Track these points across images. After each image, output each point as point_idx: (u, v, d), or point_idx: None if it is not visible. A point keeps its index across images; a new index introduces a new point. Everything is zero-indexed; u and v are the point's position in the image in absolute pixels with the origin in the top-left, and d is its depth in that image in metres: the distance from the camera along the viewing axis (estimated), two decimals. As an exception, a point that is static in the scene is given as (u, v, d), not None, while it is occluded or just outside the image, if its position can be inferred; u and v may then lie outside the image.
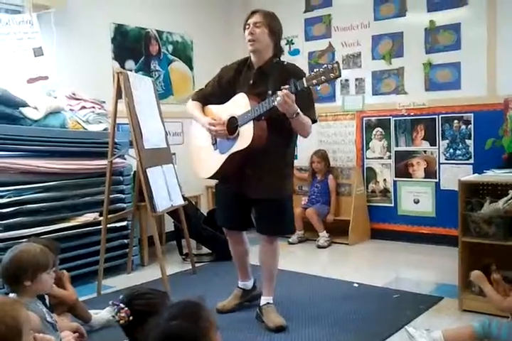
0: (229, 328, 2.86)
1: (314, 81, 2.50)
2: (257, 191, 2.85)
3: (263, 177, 2.83)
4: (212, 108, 3.04)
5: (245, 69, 2.94)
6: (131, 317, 1.79)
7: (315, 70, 2.51)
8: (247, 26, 2.84)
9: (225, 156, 2.85)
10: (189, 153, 3.22)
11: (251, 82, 2.88)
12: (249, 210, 3.05)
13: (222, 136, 2.85)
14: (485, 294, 2.59)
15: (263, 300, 3.07)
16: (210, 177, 3.03)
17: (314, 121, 2.85)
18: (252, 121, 2.71)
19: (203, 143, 3.06)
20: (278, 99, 2.53)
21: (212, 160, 2.94)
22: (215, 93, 3.02)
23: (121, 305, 1.81)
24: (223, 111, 2.92)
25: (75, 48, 4.56)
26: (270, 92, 2.70)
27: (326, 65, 2.47)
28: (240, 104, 2.79)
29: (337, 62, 2.47)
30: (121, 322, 1.80)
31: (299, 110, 2.61)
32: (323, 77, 2.47)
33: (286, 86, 2.53)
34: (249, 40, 2.81)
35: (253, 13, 2.85)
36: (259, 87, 2.82)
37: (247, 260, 3.29)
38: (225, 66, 3.08)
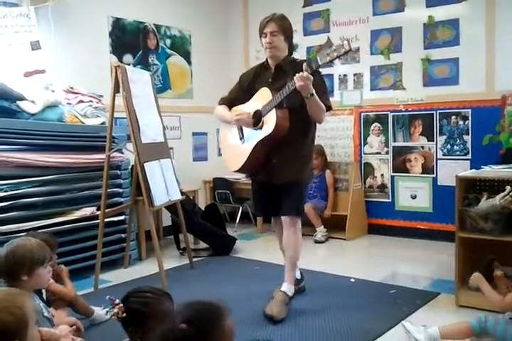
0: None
1: (328, 58, 2.69)
2: (281, 177, 3.08)
3: (285, 164, 3.05)
4: (237, 108, 3.23)
5: (262, 71, 3.20)
6: (124, 314, 1.78)
7: (327, 49, 2.76)
8: (263, 35, 3.05)
9: (251, 146, 3.06)
10: (221, 151, 3.50)
11: (270, 80, 3.11)
12: (279, 197, 3.22)
13: (247, 122, 3.07)
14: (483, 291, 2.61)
15: (282, 286, 3.17)
16: (240, 170, 3.21)
17: (329, 108, 3.04)
18: (274, 109, 2.93)
19: (232, 141, 3.27)
20: (296, 77, 2.72)
21: (241, 153, 3.14)
22: (239, 97, 3.25)
23: (116, 301, 1.81)
24: (247, 107, 3.15)
25: (72, 42, 4.54)
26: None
27: (336, 43, 2.69)
28: (262, 97, 3.03)
29: (347, 39, 2.72)
30: (113, 318, 1.79)
31: (313, 91, 2.81)
32: (335, 53, 2.67)
33: (304, 73, 2.73)
34: (268, 48, 3.04)
35: (268, 21, 3.03)
36: (278, 82, 3.03)
37: None
38: (244, 73, 3.37)
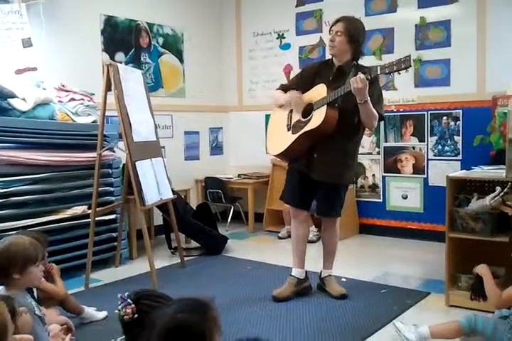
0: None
1: (386, 70, 2.86)
2: (320, 174, 3.18)
3: (326, 162, 3.16)
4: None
5: (325, 67, 3.30)
6: (135, 315, 1.73)
7: (388, 61, 2.88)
8: (330, 31, 3.20)
9: (296, 136, 3.17)
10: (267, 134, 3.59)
11: (330, 78, 3.20)
12: (312, 191, 3.34)
13: (299, 103, 3.20)
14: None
15: (324, 273, 3.47)
16: (278, 155, 3.34)
17: (382, 118, 3.16)
18: (325, 105, 3.04)
19: (279, 126, 3.37)
20: (352, 79, 2.87)
21: (284, 140, 3.25)
22: (296, 87, 3.32)
23: (129, 301, 1.75)
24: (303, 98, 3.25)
25: (64, 39, 4.52)
26: None
27: (398, 58, 2.82)
28: (317, 93, 3.14)
29: (409, 55, 2.81)
30: (126, 318, 1.73)
31: (368, 98, 2.94)
32: (395, 67, 2.83)
33: (361, 75, 2.87)
34: (329, 45, 3.21)
35: (338, 21, 3.18)
36: (337, 82, 3.12)
37: (306, 245, 3.47)
38: (307, 65, 3.53)
